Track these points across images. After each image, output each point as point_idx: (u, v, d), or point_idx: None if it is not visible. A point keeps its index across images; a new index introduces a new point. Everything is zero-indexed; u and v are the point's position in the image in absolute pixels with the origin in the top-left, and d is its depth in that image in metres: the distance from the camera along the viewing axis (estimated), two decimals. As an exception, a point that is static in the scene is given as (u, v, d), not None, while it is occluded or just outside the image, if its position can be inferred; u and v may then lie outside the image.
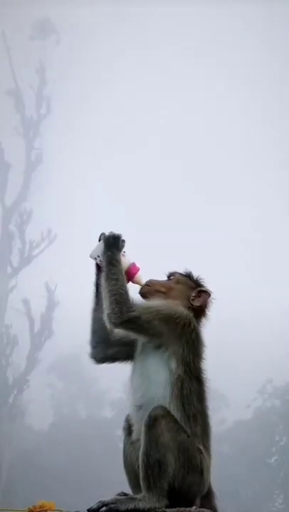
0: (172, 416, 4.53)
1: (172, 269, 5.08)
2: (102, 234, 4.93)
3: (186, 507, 4.48)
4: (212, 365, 4.84)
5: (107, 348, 4.91)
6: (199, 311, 4.89)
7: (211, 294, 4.93)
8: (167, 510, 4.35)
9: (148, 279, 4.96)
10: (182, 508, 4.38)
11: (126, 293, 4.70)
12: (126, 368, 4.92)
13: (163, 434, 4.46)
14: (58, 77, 45.23)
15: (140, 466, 4.49)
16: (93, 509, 4.39)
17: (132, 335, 4.72)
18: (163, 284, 4.95)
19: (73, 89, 48.06)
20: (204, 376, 4.74)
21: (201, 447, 4.61)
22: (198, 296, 4.90)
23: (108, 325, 4.68)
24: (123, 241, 4.91)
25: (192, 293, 4.90)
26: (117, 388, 34.21)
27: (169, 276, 5.02)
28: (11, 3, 45.97)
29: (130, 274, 4.88)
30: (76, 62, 48.86)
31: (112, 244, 4.85)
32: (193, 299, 4.88)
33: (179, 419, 4.56)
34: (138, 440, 4.63)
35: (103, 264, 4.83)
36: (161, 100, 52.54)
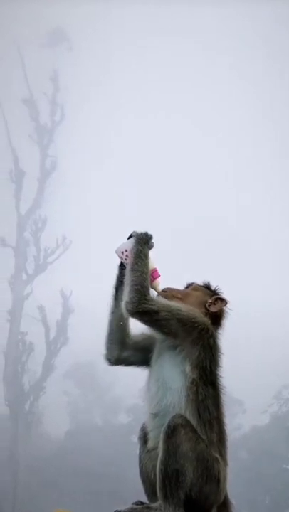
0: (191, 425, 4.50)
1: (191, 280, 5.10)
2: (134, 231, 4.98)
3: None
4: (228, 371, 4.81)
5: (122, 350, 4.93)
6: (215, 318, 4.89)
7: (228, 302, 4.92)
8: None
9: (166, 287, 4.97)
10: (199, 517, 4.33)
11: (148, 287, 4.72)
12: (141, 373, 4.91)
13: (182, 443, 4.42)
14: (71, 83, 45.40)
15: (158, 475, 4.45)
16: None
17: (147, 329, 4.74)
18: (180, 291, 4.96)
19: (86, 96, 48.19)
20: (220, 383, 4.71)
21: (218, 456, 4.56)
22: (215, 304, 4.90)
23: (124, 312, 4.71)
24: (153, 242, 4.95)
25: (209, 299, 4.91)
26: (133, 394, 34.15)
27: (187, 286, 5.05)
28: (23, 13, 46.18)
29: (151, 278, 4.89)
30: (89, 69, 49.00)
31: (145, 240, 4.90)
32: (209, 305, 4.89)
33: (194, 426, 4.51)
34: (154, 449, 4.59)
35: (131, 257, 4.86)
36: (175, 104, 52.56)
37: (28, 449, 36.94)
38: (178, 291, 4.96)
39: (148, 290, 4.70)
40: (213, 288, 5.00)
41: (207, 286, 5.01)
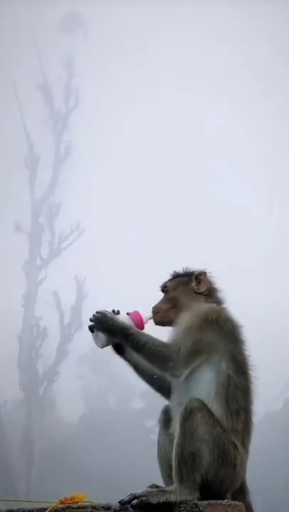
0: (208, 409, 4.51)
1: (160, 282, 5.02)
2: (90, 324, 4.78)
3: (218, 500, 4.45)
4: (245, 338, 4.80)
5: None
6: (211, 292, 4.88)
7: (206, 270, 4.90)
8: (198, 502, 4.34)
9: (152, 308, 4.90)
10: (214, 501, 4.37)
11: (162, 344, 4.60)
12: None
13: (198, 427, 4.44)
14: (85, 69, 45.28)
15: (173, 458, 4.48)
16: (124, 501, 4.38)
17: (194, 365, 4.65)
18: (166, 301, 4.89)
19: (101, 81, 48.00)
20: (250, 364, 4.73)
21: (238, 443, 4.59)
22: (199, 282, 4.87)
23: (175, 380, 4.64)
24: (112, 312, 4.80)
25: (192, 284, 4.87)
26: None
27: (162, 289, 4.97)
28: (38, -1, 46.01)
29: (139, 324, 4.80)
30: (104, 55, 48.78)
31: (108, 322, 4.71)
32: (197, 288, 4.85)
33: (220, 416, 4.54)
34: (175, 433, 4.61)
35: (122, 342, 4.73)
36: (192, 88, 52.32)
37: (42, 434, 37.11)
38: (164, 302, 4.88)
39: (166, 346, 4.59)
40: (183, 271, 4.94)
41: (179, 275, 4.94)
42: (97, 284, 41.70)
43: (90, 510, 4.47)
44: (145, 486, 4.64)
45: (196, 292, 4.84)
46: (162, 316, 4.85)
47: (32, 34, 45.69)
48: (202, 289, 4.84)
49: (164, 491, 4.44)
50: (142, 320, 4.81)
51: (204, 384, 4.58)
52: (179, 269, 4.98)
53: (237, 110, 52.66)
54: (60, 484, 32.83)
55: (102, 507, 4.45)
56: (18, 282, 41.20)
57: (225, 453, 4.51)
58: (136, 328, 4.71)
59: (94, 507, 4.50)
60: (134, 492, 4.42)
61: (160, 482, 4.77)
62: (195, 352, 4.56)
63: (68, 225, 42.30)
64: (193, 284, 4.87)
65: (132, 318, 4.79)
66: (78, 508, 4.57)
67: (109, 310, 4.81)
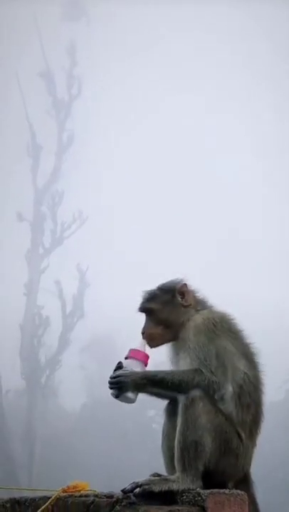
0: (210, 398, 4.52)
1: (136, 306, 4.94)
2: (114, 387, 4.69)
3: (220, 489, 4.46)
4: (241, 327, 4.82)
5: None
6: (197, 301, 4.87)
7: (186, 282, 4.86)
8: (201, 491, 4.34)
9: (142, 334, 4.82)
10: (216, 490, 4.37)
11: (189, 372, 4.57)
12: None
13: (200, 415, 4.46)
14: (88, 57, 45.11)
15: (176, 447, 4.49)
16: (127, 490, 4.38)
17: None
18: (155, 323, 4.82)
19: (104, 69, 47.91)
20: (256, 356, 4.76)
21: (244, 434, 4.60)
22: (183, 295, 4.84)
23: (220, 392, 4.59)
24: (117, 366, 4.78)
25: (177, 300, 4.84)
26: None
27: (144, 312, 4.89)
28: (41, -15, 45.85)
29: (145, 360, 4.77)
30: (107, 43, 48.66)
31: (131, 378, 4.66)
32: (185, 301, 4.83)
33: (230, 410, 4.56)
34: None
35: (153, 388, 4.67)
36: (198, 77, 52.21)
37: (44, 423, 37.20)
38: (155, 325, 4.81)
39: (195, 371, 4.57)
40: (165, 288, 4.88)
41: (157, 295, 4.87)
42: (99, 273, 41.75)
43: (92, 498, 4.46)
44: (147, 474, 4.64)
45: (183, 306, 4.81)
46: (159, 340, 4.83)
47: (34, 21, 45.53)
48: (189, 301, 4.82)
49: (166, 480, 4.44)
50: (144, 355, 4.78)
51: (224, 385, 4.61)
52: (152, 288, 4.90)
53: (237, 110, 52.63)
54: (62, 473, 32.92)
55: (105, 495, 4.45)
56: (20, 271, 41.22)
57: (227, 442, 4.52)
58: (161, 371, 4.67)
59: (96, 495, 4.50)
60: (136, 480, 4.42)
61: (162, 471, 4.77)
62: (222, 363, 4.59)
63: (71, 214, 42.27)
64: (179, 298, 4.82)
65: (137, 359, 4.76)
66: (81, 496, 4.57)
67: (115, 364, 4.83)
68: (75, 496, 4.59)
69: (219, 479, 4.51)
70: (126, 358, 4.79)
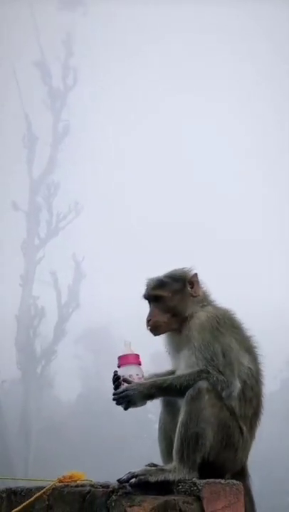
0: (217, 392, 4.50)
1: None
2: (121, 400, 4.73)
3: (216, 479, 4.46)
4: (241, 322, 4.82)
5: None
6: (204, 293, 4.86)
7: (196, 272, 4.83)
8: (197, 481, 4.34)
9: (148, 321, 4.77)
10: (212, 480, 4.37)
11: (194, 374, 4.52)
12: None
13: (205, 408, 4.44)
14: (84, 48, 44.99)
15: (176, 437, 4.47)
16: (123, 480, 4.37)
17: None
18: (163, 311, 4.77)
19: (100, 60, 47.78)
20: (256, 347, 4.75)
21: (245, 428, 4.60)
22: (193, 286, 4.81)
23: (236, 394, 4.58)
24: (115, 376, 4.78)
25: (187, 289, 4.80)
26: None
27: (150, 299, 4.82)
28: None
29: (137, 362, 4.78)
30: (103, 33, 48.52)
31: (140, 391, 4.64)
32: (194, 291, 4.80)
33: (234, 404, 4.55)
34: (178, 411, 4.62)
35: (161, 395, 4.68)
36: (192, 69, 52.12)
37: (40, 413, 37.23)
38: (162, 313, 4.75)
39: (205, 373, 4.52)
40: (176, 276, 4.84)
41: (167, 283, 4.82)
42: (94, 263, 41.75)
43: (88, 488, 4.46)
44: (143, 464, 4.63)
45: (192, 296, 4.78)
46: (165, 328, 4.78)
47: (31, 11, 45.38)
48: (198, 292, 4.79)
49: (162, 470, 4.43)
50: (134, 357, 4.76)
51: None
52: (161, 273, 4.85)
53: (236, 110, 52.56)
54: (58, 463, 32.97)
55: (101, 485, 4.45)
56: (16, 261, 41.19)
57: (229, 436, 4.52)
58: (166, 378, 4.64)
59: (92, 485, 4.51)
60: (132, 471, 4.41)
61: (157, 460, 4.77)
62: (229, 360, 4.57)
63: (66, 205, 42.23)
64: (189, 288, 4.78)
65: (129, 363, 4.75)
66: (77, 486, 4.58)
67: (113, 375, 4.84)
68: (72, 486, 4.59)
69: (217, 472, 4.50)
70: (118, 367, 4.75)
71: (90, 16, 46.41)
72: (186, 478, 4.37)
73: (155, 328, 4.75)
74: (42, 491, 4.60)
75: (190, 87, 51.69)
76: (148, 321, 4.77)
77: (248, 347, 4.69)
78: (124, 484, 4.34)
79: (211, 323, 4.62)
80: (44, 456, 34.79)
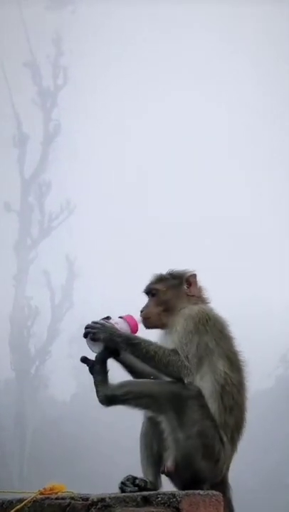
0: (201, 400, 4.53)
1: (144, 284, 4.97)
2: (89, 332, 4.77)
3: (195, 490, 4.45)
4: (233, 335, 4.82)
5: None
6: (200, 293, 4.89)
7: (195, 273, 4.89)
8: (176, 492, 4.33)
9: (141, 312, 4.85)
10: (191, 491, 4.36)
11: (170, 353, 4.59)
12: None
13: (193, 413, 4.48)
14: (74, 47, 44.91)
15: (170, 445, 4.53)
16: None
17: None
18: (156, 305, 4.85)
19: (90, 59, 47.68)
20: (242, 360, 4.76)
21: (226, 438, 4.59)
22: (190, 284, 4.86)
23: (191, 387, 4.59)
24: (107, 318, 4.80)
25: (183, 287, 4.86)
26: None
27: (148, 292, 4.91)
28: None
29: (134, 328, 4.79)
30: (92, 32, 48.45)
31: (109, 332, 4.70)
32: (189, 291, 4.85)
33: (214, 410, 4.55)
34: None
35: (127, 351, 4.71)
36: (182, 68, 52.10)
37: (34, 413, 37.24)
38: (155, 306, 4.84)
39: (177, 354, 4.58)
40: (171, 273, 4.92)
41: (166, 278, 4.91)
42: (88, 263, 41.71)
43: (68, 501, 4.45)
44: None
45: (187, 295, 4.84)
46: (155, 320, 4.83)
47: (19, 10, 45.27)
48: (193, 291, 4.85)
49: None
50: (136, 324, 4.81)
51: (203, 382, 4.59)
52: (164, 271, 4.95)
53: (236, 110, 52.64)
54: (53, 461, 33.03)
55: (81, 498, 4.44)
56: (9, 262, 41.16)
57: (208, 447, 4.51)
58: (140, 337, 4.70)
59: (72, 498, 4.49)
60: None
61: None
62: (200, 356, 4.59)
63: (58, 204, 42.21)
64: (185, 286, 4.86)
65: (128, 322, 4.78)
66: (57, 498, 4.56)
67: (102, 316, 4.84)
68: (52, 498, 4.57)
69: (197, 479, 4.50)
70: (120, 317, 4.81)
71: (79, 15, 46.37)
72: None
73: (146, 319, 4.82)
74: (23, 503, 4.58)
75: (183, 85, 51.71)
76: (141, 311, 4.86)
77: (229, 356, 4.67)
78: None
79: (200, 317, 4.66)
80: (38, 454, 34.82)
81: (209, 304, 4.89)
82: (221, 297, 5.08)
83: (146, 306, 4.86)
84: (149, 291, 4.90)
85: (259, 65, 52.89)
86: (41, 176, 43.14)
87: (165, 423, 4.51)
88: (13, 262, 41.26)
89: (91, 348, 4.79)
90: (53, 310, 39.59)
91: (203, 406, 4.51)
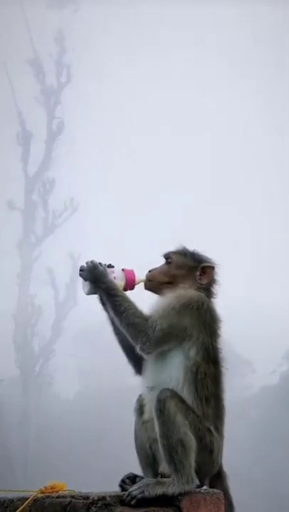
0: (180, 397, 4.47)
1: (167, 249, 4.94)
2: (80, 271, 4.73)
3: (197, 488, 4.42)
4: (238, 332, 4.80)
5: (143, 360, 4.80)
6: (209, 285, 4.82)
7: (215, 266, 4.83)
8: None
9: (147, 273, 4.84)
10: (192, 489, 4.33)
11: (140, 316, 4.56)
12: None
13: (176, 413, 4.40)
14: (77, 45, 44.92)
15: (162, 452, 4.41)
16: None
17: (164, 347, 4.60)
18: (164, 273, 4.82)
19: (93, 57, 47.70)
20: (221, 357, 4.67)
21: (212, 428, 4.55)
22: (204, 273, 4.80)
23: (144, 355, 4.58)
24: (108, 265, 4.77)
25: (196, 272, 4.80)
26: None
27: (166, 258, 4.88)
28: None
29: (130, 283, 4.76)
30: (95, 30, 48.47)
31: (97, 275, 4.67)
32: (200, 278, 4.79)
33: (190, 402, 4.50)
34: (150, 420, 4.57)
35: (104, 298, 4.68)
36: (182, 66, 52.10)
37: (38, 411, 37.27)
38: (163, 273, 4.82)
39: (144, 319, 4.54)
40: (193, 255, 4.87)
41: (186, 255, 4.87)
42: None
43: (69, 499, 4.43)
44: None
45: (196, 281, 4.78)
46: (155, 285, 4.80)
47: (21, 9, 45.27)
48: (203, 281, 4.78)
49: (160, 483, 4.35)
50: (133, 280, 4.77)
51: (173, 368, 4.54)
52: (190, 247, 4.91)
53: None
54: (57, 458, 33.05)
55: (81, 496, 4.42)
56: (13, 260, 41.19)
57: (201, 438, 4.47)
58: (121, 291, 4.66)
59: (73, 496, 4.47)
60: (130, 489, 4.34)
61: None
62: (168, 335, 4.51)
63: (62, 202, 42.18)
64: (198, 273, 4.79)
65: (126, 275, 4.76)
66: (58, 497, 4.54)
67: (107, 262, 4.79)
68: (53, 497, 4.55)
69: (197, 476, 4.46)
70: (122, 269, 4.78)
71: (81, 13, 46.36)
72: (186, 489, 4.32)
73: (149, 280, 4.80)
74: (25, 503, 4.56)
75: (185, 83, 51.71)
76: (149, 271, 4.84)
77: (207, 348, 4.57)
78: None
79: (191, 301, 4.61)
80: (43, 451, 34.85)
81: (212, 298, 4.82)
82: (224, 295, 5.04)
83: (155, 269, 4.84)
84: (167, 257, 4.87)
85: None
86: (45, 173, 43.13)
87: (158, 429, 4.43)
88: (16, 260, 41.29)
89: (83, 290, 4.74)
90: (56, 308, 39.58)
91: (183, 401, 4.46)
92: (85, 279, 4.69)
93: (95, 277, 4.66)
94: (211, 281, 4.82)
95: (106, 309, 4.75)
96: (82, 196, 43.24)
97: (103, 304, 4.75)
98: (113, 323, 4.74)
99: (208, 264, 4.82)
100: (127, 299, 4.63)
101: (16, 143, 43.47)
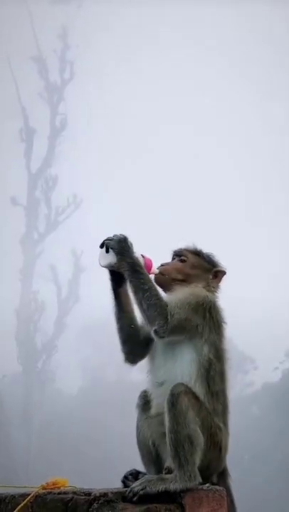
0: (193, 393, 4.48)
1: (180, 246, 4.96)
2: (107, 240, 4.69)
3: (202, 484, 4.40)
4: (240, 330, 4.81)
5: (139, 349, 4.83)
6: (216, 290, 4.88)
7: (226, 272, 4.89)
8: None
9: (160, 266, 4.83)
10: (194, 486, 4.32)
11: (162, 300, 4.56)
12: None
13: (188, 409, 4.40)
14: (80, 41, 44.86)
15: (169, 446, 4.40)
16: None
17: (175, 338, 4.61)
18: (178, 270, 4.84)
19: (96, 53, 47.67)
20: (227, 355, 4.70)
21: (221, 425, 4.57)
22: (216, 277, 4.85)
23: (156, 339, 4.57)
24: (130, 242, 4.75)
25: (210, 275, 4.85)
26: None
27: (179, 255, 4.90)
28: None
29: (147, 270, 4.73)
30: (98, 26, 48.42)
31: (126, 248, 4.65)
32: (211, 281, 4.84)
33: (202, 397, 4.51)
34: (156, 415, 4.58)
35: (126, 273, 4.62)
36: (184, 63, 52.08)
37: (41, 406, 37.30)
38: (177, 270, 4.83)
39: (165, 304, 4.54)
40: (208, 257, 4.91)
41: (201, 256, 4.91)
42: (94, 257, 41.54)
43: (71, 496, 4.42)
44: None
45: (208, 283, 4.82)
46: (167, 281, 4.80)
47: (26, 5, 45.24)
48: (215, 284, 4.84)
49: (162, 479, 4.35)
50: (150, 268, 4.75)
51: (185, 364, 4.56)
52: (203, 248, 4.96)
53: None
54: (59, 454, 33.08)
55: (83, 493, 4.41)
56: (16, 256, 41.20)
57: (212, 436, 4.48)
58: (145, 270, 4.65)
59: (75, 493, 4.46)
60: (132, 486, 4.34)
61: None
62: (182, 326, 4.54)
63: (65, 198, 42.20)
64: (210, 276, 4.84)
65: (145, 262, 4.72)
66: (60, 493, 4.53)
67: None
68: (55, 493, 4.55)
69: (205, 474, 4.45)
70: (141, 255, 4.73)
71: (85, 9, 46.32)
72: (188, 485, 4.31)
73: (161, 274, 4.79)
74: (27, 499, 4.55)
75: (187, 78, 51.67)
76: (161, 265, 4.83)
77: (216, 346, 4.61)
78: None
79: (204, 300, 4.64)
80: (46, 449, 34.86)
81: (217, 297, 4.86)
82: (227, 293, 5.05)
83: (169, 265, 4.84)
84: (180, 255, 4.89)
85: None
86: (48, 170, 43.13)
87: (168, 423, 4.43)
88: (19, 256, 41.31)
89: (100, 261, 4.69)
90: (59, 304, 39.61)
91: (197, 398, 4.47)
92: (112, 248, 4.64)
93: (123, 249, 4.64)
94: (218, 286, 4.89)
95: (117, 291, 4.74)
96: (85, 193, 43.25)
97: (114, 280, 4.72)
98: (119, 307, 4.75)
99: (221, 269, 4.88)
100: (151, 280, 4.64)
101: (19, 139, 43.49)
